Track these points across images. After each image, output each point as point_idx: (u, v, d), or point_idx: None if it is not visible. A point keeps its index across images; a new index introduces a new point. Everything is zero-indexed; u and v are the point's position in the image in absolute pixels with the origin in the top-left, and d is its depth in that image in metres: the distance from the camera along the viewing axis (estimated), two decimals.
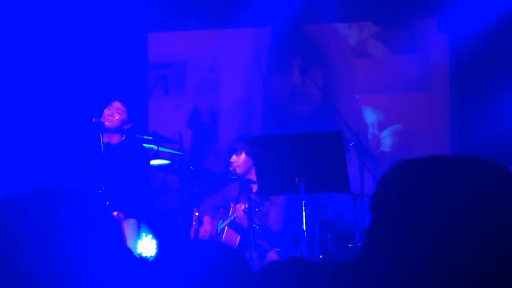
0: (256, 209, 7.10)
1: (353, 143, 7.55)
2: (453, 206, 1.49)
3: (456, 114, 9.29)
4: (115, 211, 6.94)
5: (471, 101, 9.04)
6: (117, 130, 7.22)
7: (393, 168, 1.62)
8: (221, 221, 7.64)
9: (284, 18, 9.39)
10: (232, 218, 7.44)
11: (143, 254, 7.22)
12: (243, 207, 7.21)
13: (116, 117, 7.16)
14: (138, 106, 9.41)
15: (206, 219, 7.71)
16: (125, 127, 7.24)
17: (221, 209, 7.71)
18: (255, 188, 6.95)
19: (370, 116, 9.57)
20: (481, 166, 1.57)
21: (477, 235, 1.47)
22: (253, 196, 7.07)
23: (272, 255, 7.18)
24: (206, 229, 7.65)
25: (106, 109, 7.18)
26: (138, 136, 7.54)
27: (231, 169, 7.69)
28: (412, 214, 1.52)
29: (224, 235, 7.47)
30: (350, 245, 7.56)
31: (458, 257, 1.47)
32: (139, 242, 7.23)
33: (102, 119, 7.12)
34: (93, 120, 7.12)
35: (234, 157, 7.59)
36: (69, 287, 1.75)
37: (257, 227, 7.24)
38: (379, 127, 9.55)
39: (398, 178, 1.60)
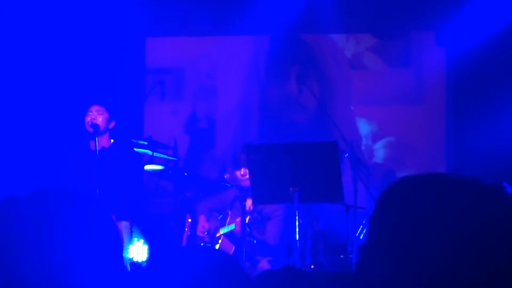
0: (252, 228, 7.11)
1: (347, 154, 7.56)
2: (451, 225, 1.50)
3: (451, 128, 9.32)
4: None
5: (466, 116, 9.06)
6: (104, 131, 7.25)
7: (392, 185, 1.63)
8: (217, 227, 7.61)
9: (282, 26, 9.41)
10: (230, 228, 7.40)
11: (135, 259, 7.20)
12: (239, 219, 7.18)
13: (100, 119, 7.19)
14: (133, 111, 9.42)
15: (201, 217, 7.67)
16: (110, 126, 7.27)
17: (216, 213, 7.66)
18: (249, 201, 6.94)
19: (364, 127, 9.59)
20: (479, 186, 1.57)
21: (473, 254, 1.48)
22: (249, 208, 7.05)
23: (264, 264, 7.17)
24: (203, 225, 7.60)
25: (87, 116, 7.20)
26: (133, 140, 7.54)
27: (225, 176, 7.66)
28: (410, 231, 1.53)
29: (219, 244, 7.45)
30: (341, 256, 7.57)
31: (455, 275, 1.47)
32: (131, 246, 7.22)
33: (87, 128, 7.17)
34: (89, 123, 7.14)
35: (243, 171, 7.27)
36: None
37: (255, 241, 7.22)
38: (372, 138, 9.58)
39: (397, 195, 1.61)
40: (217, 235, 7.53)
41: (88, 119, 7.18)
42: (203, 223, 7.62)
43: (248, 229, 7.17)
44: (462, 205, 1.52)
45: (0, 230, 1.78)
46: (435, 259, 1.49)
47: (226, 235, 7.44)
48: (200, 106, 9.78)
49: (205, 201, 7.79)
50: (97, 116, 7.18)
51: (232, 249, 7.33)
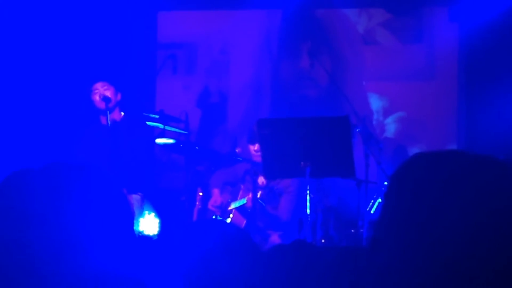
0: (265, 203, 7.12)
1: (359, 129, 7.55)
2: (467, 202, 1.49)
3: (463, 103, 9.29)
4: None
5: (478, 92, 9.03)
6: (115, 105, 7.26)
7: (407, 162, 1.62)
8: (229, 201, 7.63)
9: (294, 0, 9.37)
10: (242, 203, 7.41)
11: (145, 232, 7.23)
12: (251, 195, 7.19)
13: (108, 93, 7.19)
14: (145, 85, 9.41)
15: (215, 191, 7.69)
16: (118, 98, 7.28)
17: (229, 187, 7.68)
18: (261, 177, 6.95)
19: (375, 102, 9.59)
20: (494, 163, 1.57)
21: (490, 232, 1.47)
22: (262, 183, 7.05)
23: (275, 238, 7.19)
24: (216, 200, 7.62)
25: (93, 95, 7.20)
26: (144, 114, 7.56)
27: (237, 150, 7.67)
28: (425, 209, 1.52)
29: (231, 218, 7.47)
30: (352, 231, 7.58)
31: (472, 253, 1.47)
32: (142, 220, 7.24)
33: (97, 106, 7.17)
34: (101, 97, 7.15)
35: (257, 146, 7.27)
36: (73, 263, 1.75)
37: (269, 216, 7.24)
38: (384, 113, 9.57)
39: (412, 172, 1.59)
40: (229, 208, 7.55)
41: (96, 97, 7.18)
42: (216, 197, 7.64)
43: (261, 203, 7.19)
44: (478, 183, 1.51)
45: (12, 202, 1.79)
46: (451, 236, 1.48)
47: (237, 209, 7.46)
48: (212, 81, 9.78)
49: (218, 173, 7.80)
50: (104, 91, 7.18)
51: (243, 223, 7.35)
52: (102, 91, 7.18)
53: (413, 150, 9.27)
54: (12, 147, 8.57)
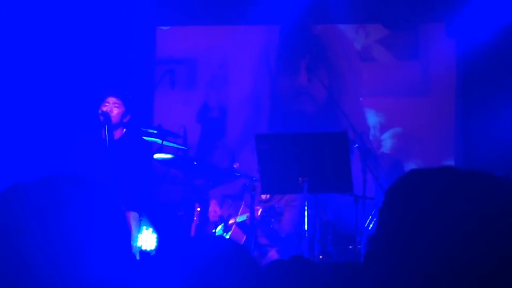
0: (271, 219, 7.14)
1: (357, 145, 7.55)
2: (460, 218, 1.51)
3: (460, 119, 9.30)
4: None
5: (476, 108, 9.04)
6: (119, 125, 7.19)
7: (402, 177, 1.63)
8: (230, 215, 7.63)
9: (293, 16, 9.40)
10: (243, 219, 7.42)
11: (143, 248, 7.22)
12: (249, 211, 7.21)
13: (115, 112, 7.11)
14: (144, 100, 9.41)
15: (213, 202, 7.69)
16: (125, 120, 7.21)
17: (229, 200, 7.69)
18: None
19: (372, 118, 9.61)
20: (488, 179, 1.58)
21: (483, 247, 1.48)
22: (265, 197, 7.06)
23: (273, 254, 7.19)
24: (215, 210, 7.63)
25: (102, 105, 7.12)
26: (143, 129, 7.53)
27: (235, 166, 7.68)
28: (419, 224, 1.54)
29: (231, 233, 7.47)
30: (350, 247, 7.58)
31: (464, 268, 1.48)
32: (140, 235, 7.23)
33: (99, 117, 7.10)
34: (100, 111, 7.11)
35: None
36: (70, 276, 1.75)
37: (273, 232, 7.26)
38: (380, 129, 9.59)
39: (407, 187, 1.61)
40: (230, 222, 7.55)
41: (104, 109, 7.10)
42: (214, 207, 7.65)
43: (267, 220, 7.20)
44: (471, 198, 1.53)
45: (8, 217, 1.78)
46: (443, 251, 1.49)
47: (238, 224, 7.46)
48: (211, 96, 9.79)
49: (220, 187, 7.81)
50: (113, 108, 7.09)
51: (243, 238, 7.35)
52: (111, 107, 7.08)
53: (410, 166, 9.28)
54: (11, 156, 8.56)
